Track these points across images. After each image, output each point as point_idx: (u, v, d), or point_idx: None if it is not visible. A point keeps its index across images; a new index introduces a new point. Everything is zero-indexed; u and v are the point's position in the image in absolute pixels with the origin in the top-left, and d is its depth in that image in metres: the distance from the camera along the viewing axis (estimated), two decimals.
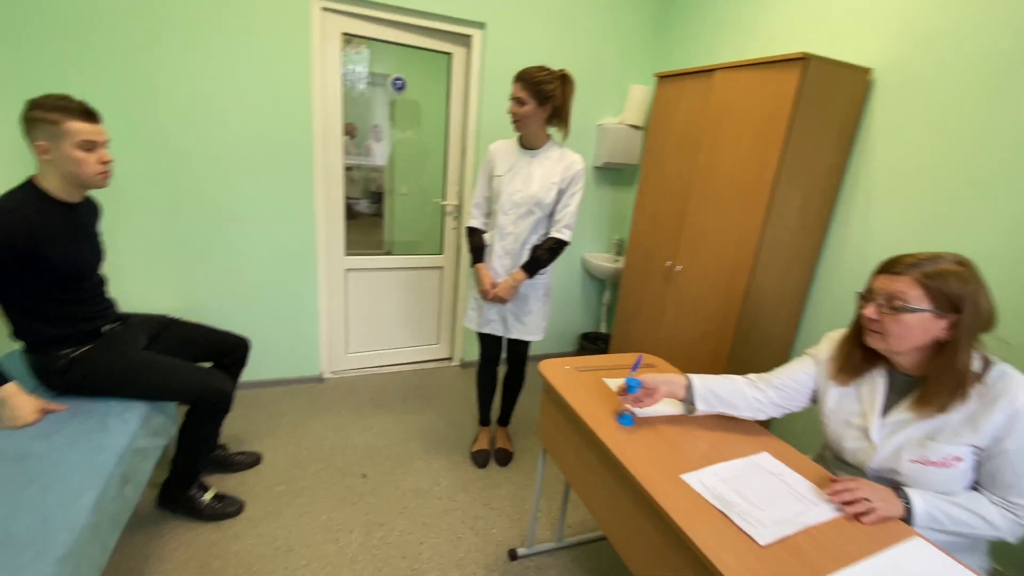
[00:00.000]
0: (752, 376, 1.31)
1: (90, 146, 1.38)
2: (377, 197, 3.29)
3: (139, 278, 2.25)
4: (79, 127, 1.35)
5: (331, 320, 2.75)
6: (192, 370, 1.62)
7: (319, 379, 2.78)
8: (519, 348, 2.17)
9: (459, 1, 2.44)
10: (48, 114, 1.31)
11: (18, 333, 1.43)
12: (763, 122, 1.82)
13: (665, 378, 1.29)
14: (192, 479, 1.74)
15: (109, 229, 2.10)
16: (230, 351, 1.88)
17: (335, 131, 2.48)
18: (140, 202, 2.17)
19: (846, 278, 1.94)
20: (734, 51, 2.41)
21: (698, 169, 2.13)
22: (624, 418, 1.25)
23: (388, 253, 3.05)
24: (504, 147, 1.96)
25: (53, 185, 1.39)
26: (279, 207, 2.41)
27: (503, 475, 2.14)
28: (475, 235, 2.02)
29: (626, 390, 1.25)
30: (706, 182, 2.09)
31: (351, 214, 2.97)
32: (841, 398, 1.18)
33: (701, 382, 1.28)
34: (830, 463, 1.28)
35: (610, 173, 3.08)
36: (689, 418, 1.31)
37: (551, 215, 1.94)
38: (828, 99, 1.77)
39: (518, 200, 1.90)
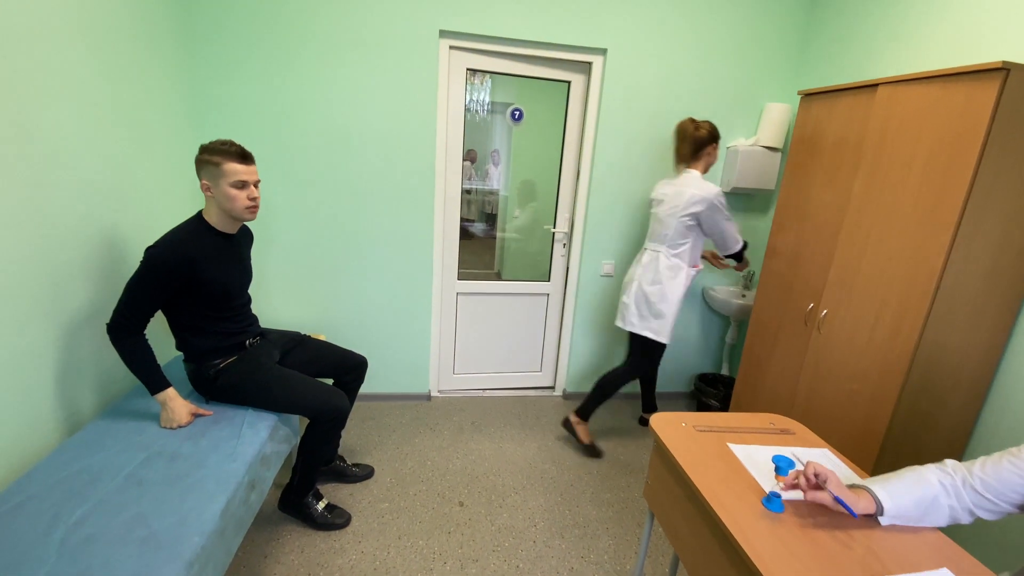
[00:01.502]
0: (949, 466, 1.02)
1: (242, 185, 1.56)
2: (492, 220, 3.37)
3: (281, 295, 2.52)
4: (235, 168, 1.53)
5: (441, 341, 2.84)
6: (317, 387, 1.73)
7: (427, 397, 2.87)
8: None
9: (581, 29, 2.41)
10: (212, 156, 1.50)
11: (179, 345, 1.65)
12: (945, 145, 1.50)
13: (840, 482, 1.03)
14: (308, 487, 1.86)
15: (260, 253, 2.39)
16: (350, 370, 2.00)
17: (456, 160, 2.57)
18: (286, 229, 2.44)
19: None
20: (895, 65, 2.06)
21: (852, 198, 1.83)
22: (773, 501, 1.06)
23: (498, 275, 3.08)
24: None
25: (214, 218, 1.59)
26: (403, 232, 2.55)
27: (603, 526, 1.99)
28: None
29: (775, 470, 1.06)
30: (862, 213, 1.79)
31: (466, 235, 3.06)
32: None
33: (892, 501, 1.00)
34: None
35: (739, 199, 2.81)
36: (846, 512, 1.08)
37: None
38: None
39: None
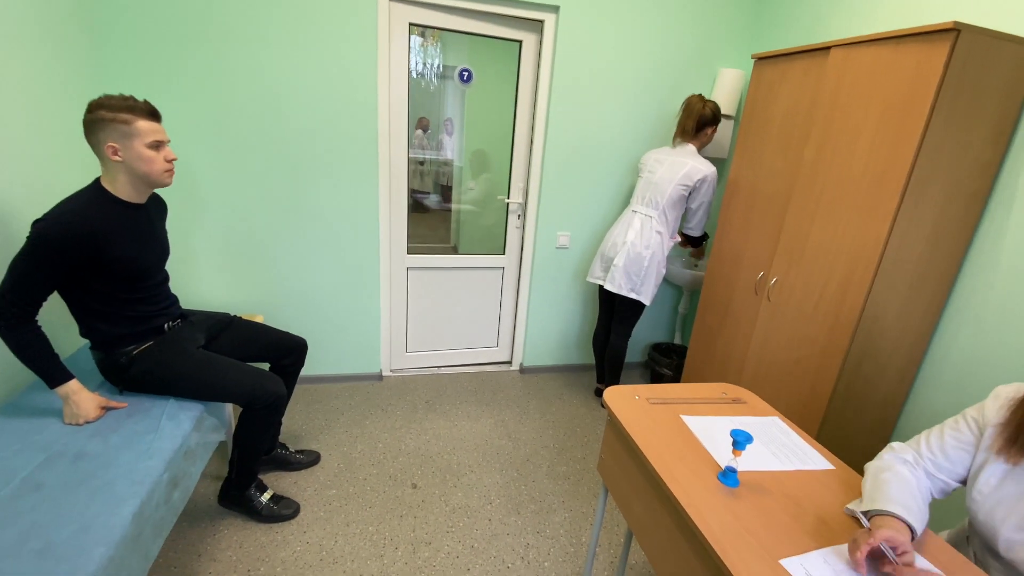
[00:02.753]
0: (899, 451, 1.01)
1: (157, 145, 1.37)
2: (447, 191, 3.23)
3: (209, 273, 2.31)
4: (148, 126, 1.35)
5: (392, 318, 2.71)
6: (247, 371, 1.59)
7: (379, 377, 2.75)
8: None
9: None
10: (118, 114, 1.30)
11: (84, 332, 1.45)
12: (894, 109, 1.49)
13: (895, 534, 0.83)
14: (249, 479, 1.73)
15: (183, 225, 2.17)
16: (287, 352, 1.86)
17: (400, 126, 2.40)
18: (212, 199, 2.21)
19: (994, 303, 1.56)
20: (851, 27, 2.04)
21: (803, 165, 1.82)
22: (729, 476, 1.03)
23: (454, 249, 2.96)
24: None
25: (120, 186, 1.39)
26: (344, 203, 2.38)
27: (559, 499, 1.98)
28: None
29: (733, 444, 1.00)
30: (812, 181, 1.78)
31: (421, 208, 2.90)
32: (1006, 478, 0.89)
33: (912, 517, 0.87)
34: (978, 552, 0.99)
35: None
36: (795, 481, 1.07)
37: None
38: (984, 80, 1.41)
39: None
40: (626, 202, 2.71)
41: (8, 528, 1.02)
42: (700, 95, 2.29)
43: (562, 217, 2.69)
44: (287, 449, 2.03)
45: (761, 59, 2.04)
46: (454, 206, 2.96)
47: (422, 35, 2.42)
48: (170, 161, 1.43)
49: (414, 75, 2.38)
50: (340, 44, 2.14)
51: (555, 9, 2.35)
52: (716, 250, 2.32)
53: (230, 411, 1.74)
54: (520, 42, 2.45)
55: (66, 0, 1.76)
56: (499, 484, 2.03)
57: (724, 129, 2.60)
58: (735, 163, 2.20)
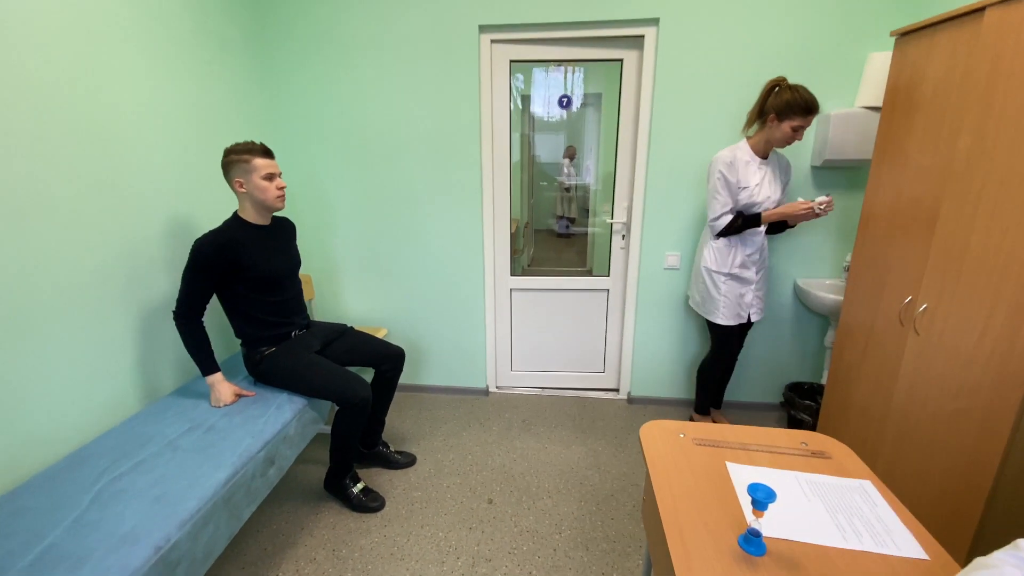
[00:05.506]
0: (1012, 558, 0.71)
1: (270, 177, 1.73)
2: (586, 215, 3.30)
3: (346, 290, 2.74)
4: (263, 162, 1.72)
5: (496, 338, 2.83)
6: (339, 374, 1.84)
7: (485, 392, 2.88)
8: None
9: (626, 1, 2.21)
10: (241, 155, 1.69)
11: (235, 332, 1.87)
12: None
13: None
14: (344, 471, 1.98)
15: (326, 245, 2.64)
16: (386, 359, 2.09)
17: (503, 160, 2.54)
18: (346, 224, 2.65)
19: None
20: None
21: (956, 160, 1.40)
22: (752, 542, 0.87)
23: (589, 272, 2.97)
24: (742, 157, 2.03)
25: (248, 213, 1.79)
26: (452, 231, 2.61)
27: (636, 544, 1.80)
28: (736, 221, 2.07)
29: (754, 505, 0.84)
30: (969, 177, 1.36)
31: (564, 233, 3.05)
32: None
33: None
34: None
35: (835, 174, 2.34)
36: (853, 566, 0.83)
37: None
38: None
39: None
40: None
41: (146, 475, 1.37)
42: (783, 78, 1.96)
43: (670, 236, 2.51)
44: (388, 447, 2.26)
45: (903, 35, 1.65)
46: (590, 229, 2.99)
47: (557, 66, 2.53)
48: (280, 188, 1.78)
49: (559, 106, 2.54)
50: (448, 87, 2.39)
51: (655, 22, 2.25)
52: (855, 268, 1.91)
53: (327, 407, 2.01)
54: (621, 60, 2.40)
55: (241, 93, 2.34)
56: (574, 515, 1.94)
57: (875, 124, 2.13)
58: (875, 163, 1.80)
